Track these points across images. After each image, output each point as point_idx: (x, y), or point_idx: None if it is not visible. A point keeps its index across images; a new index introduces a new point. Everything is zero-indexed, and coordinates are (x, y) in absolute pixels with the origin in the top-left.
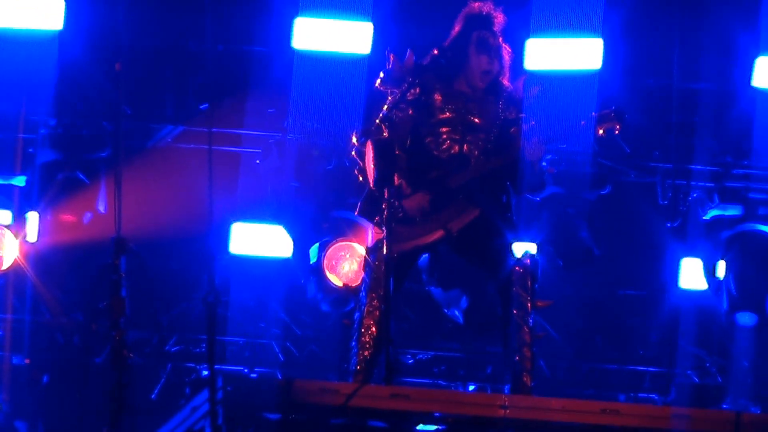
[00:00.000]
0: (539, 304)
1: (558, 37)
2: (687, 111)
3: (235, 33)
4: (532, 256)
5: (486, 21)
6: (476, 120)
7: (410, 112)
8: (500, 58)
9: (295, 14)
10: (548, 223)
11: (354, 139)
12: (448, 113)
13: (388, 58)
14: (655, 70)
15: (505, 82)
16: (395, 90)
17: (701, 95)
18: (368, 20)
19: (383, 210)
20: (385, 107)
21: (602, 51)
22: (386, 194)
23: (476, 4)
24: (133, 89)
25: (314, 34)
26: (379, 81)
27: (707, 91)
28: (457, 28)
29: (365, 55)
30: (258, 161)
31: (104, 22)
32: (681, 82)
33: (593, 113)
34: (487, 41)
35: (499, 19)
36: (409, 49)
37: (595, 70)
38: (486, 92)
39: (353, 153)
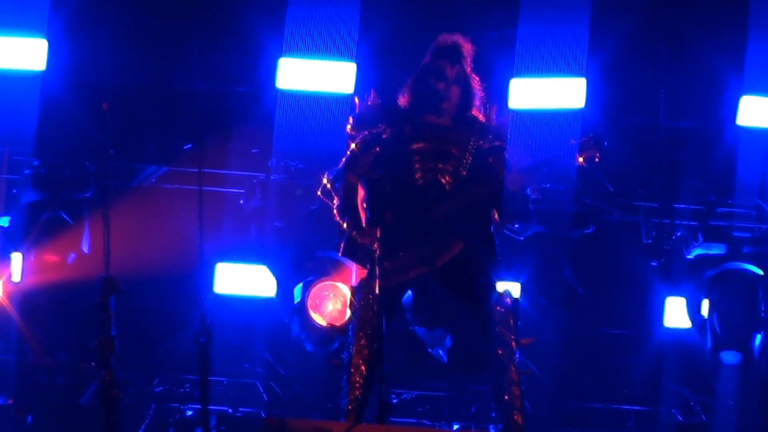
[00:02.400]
0: (523, 342)
1: (542, 76)
2: (671, 149)
3: (219, 73)
4: (511, 295)
5: (451, 52)
6: (449, 149)
7: (377, 149)
8: (463, 86)
9: (280, 54)
10: (531, 261)
11: (325, 180)
12: (420, 143)
13: (354, 103)
14: (639, 108)
15: (476, 113)
16: (366, 132)
17: (685, 134)
18: (351, 60)
19: (374, 250)
20: (354, 146)
21: (585, 90)
22: (378, 233)
23: (443, 36)
24: (117, 129)
25: (298, 75)
26: (349, 126)
27: (691, 130)
28: (426, 60)
29: (349, 94)
30: (242, 201)
31: (86, 62)
32: (665, 121)
33: (572, 140)
34: (443, 70)
35: (467, 49)
36: (372, 90)
37: (579, 108)
38: (456, 122)
39: (319, 193)
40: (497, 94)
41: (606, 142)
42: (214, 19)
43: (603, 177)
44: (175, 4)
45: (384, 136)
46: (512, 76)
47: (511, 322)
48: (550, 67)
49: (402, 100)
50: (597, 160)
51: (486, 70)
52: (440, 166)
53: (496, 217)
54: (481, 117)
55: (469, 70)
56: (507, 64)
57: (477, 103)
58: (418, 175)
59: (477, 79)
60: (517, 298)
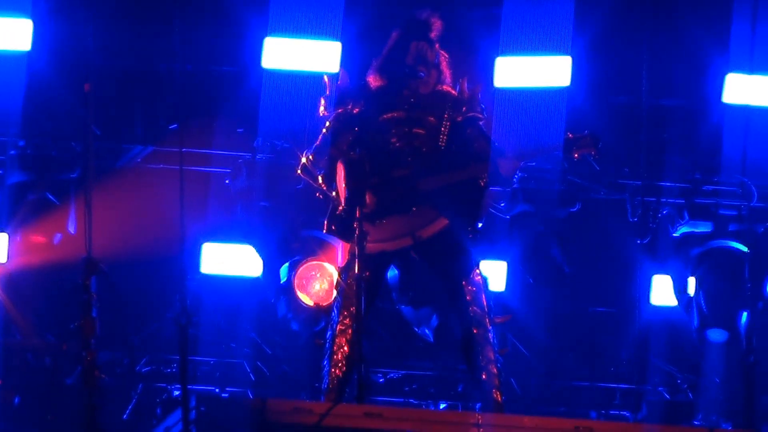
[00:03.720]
0: (497, 320)
1: (527, 55)
2: (657, 128)
3: (204, 53)
4: (481, 273)
5: (423, 29)
6: (424, 116)
7: (355, 129)
8: (438, 66)
9: (265, 34)
10: (518, 240)
11: (303, 159)
12: (394, 112)
13: (324, 84)
14: (624, 87)
15: (446, 87)
16: (340, 110)
17: (671, 112)
18: (337, 40)
19: (354, 229)
20: (328, 123)
21: (571, 68)
22: (357, 213)
23: (413, 13)
24: (102, 110)
25: (284, 54)
26: (322, 108)
27: (677, 108)
28: (394, 36)
29: (334, 74)
30: (227, 181)
31: (72, 42)
32: (650, 99)
33: (569, 135)
34: (425, 54)
35: (437, 25)
36: (341, 69)
37: (564, 87)
38: (430, 97)
39: (299, 171)
40: (482, 72)
41: (601, 142)
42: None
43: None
44: None
45: (355, 112)
46: (497, 55)
47: (484, 301)
48: (536, 45)
49: (372, 80)
50: (593, 156)
51: (471, 49)
52: (414, 131)
53: (482, 185)
54: (452, 91)
55: (437, 46)
56: (492, 43)
57: (446, 78)
58: (393, 140)
59: (446, 56)
60: (486, 276)
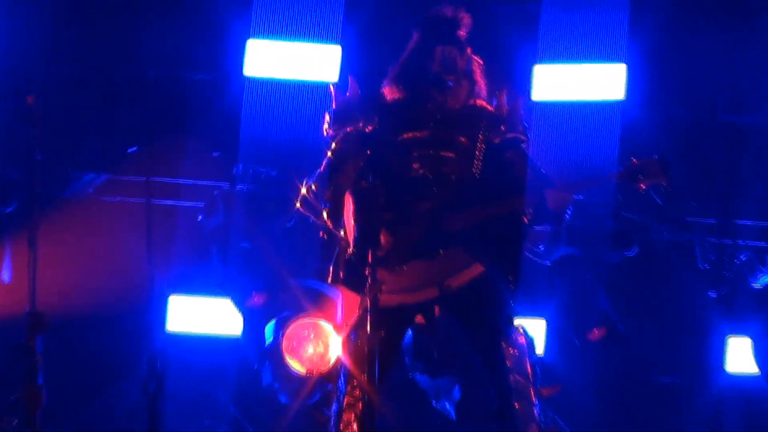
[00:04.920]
0: (545, 392)
1: (571, 62)
2: (732, 151)
3: (173, 56)
4: (526, 333)
5: (450, 28)
6: (453, 135)
7: (368, 152)
8: (470, 75)
9: (247, 36)
10: (561, 292)
11: (303, 190)
12: (415, 131)
13: (330, 95)
14: (690, 100)
15: (481, 102)
16: (348, 129)
17: (748, 131)
18: (336, 43)
19: (366, 277)
20: (335, 145)
21: (626, 78)
22: (370, 257)
23: (435, 9)
24: (47, 128)
25: (270, 59)
26: (326, 126)
27: (755, 126)
28: (415, 38)
29: (332, 83)
30: (200, 217)
31: (10, 44)
32: (723, 116)
33: (633, 161)
34: (453, 60)
35: (467, 23)
36: (350, 78)
37: (617, 100)
38: (461, 113)
39: (297, 204)
40: (517, 82)
41: (673, 169)
42: None
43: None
44: None
45: (367, 130)
46: (535, 62)
47: (528, 368)
48: (582, 50)
49: (388, 91)
50: (663, 187)
51: (501, 54)
52: (442, 154)
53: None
54: (488, 107)
55: (469, 50)
56: (528, 47)
57: (481, 90)
58: (416, 165)
59: (480, 62)
60: (532, 337)
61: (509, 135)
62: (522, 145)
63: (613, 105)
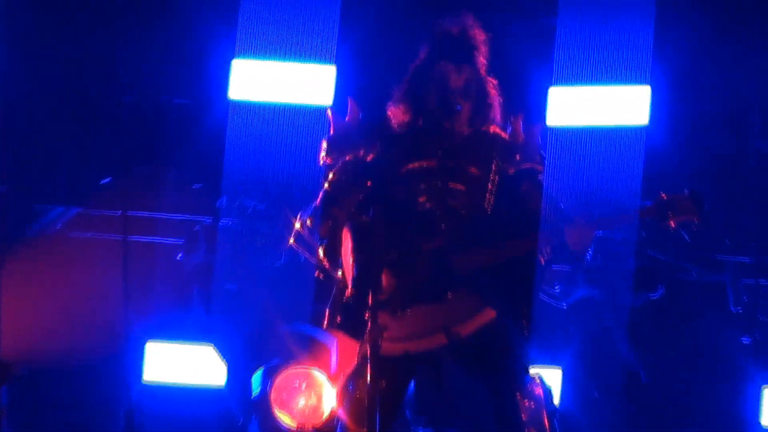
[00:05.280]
0: None
1: (591, 84)
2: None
3: (150, 78)
4: (544, 383)
5: (460, 44)
6: (463, 166)
7: (368, 183)
8: (483, 98)
9: (232, 55)
10: (578, 338)
11: (297, 224)
12: (422, 161)
13: (328, 119)
14: (721, 126)
15: (495, 128)
16: (348, 158)
17: None
18: (330, 62)
19: (366, 322)
20: (332, 176)
21: (650, 101)
22: (370, 300)
23: (445, 21)
24: (11, 157)
25: (257, 81)
26: (323, 154)
27: None
28: (421, 55)
29: (326, 107)
30: (180, 255)
31: None
32: (757, 142)
33: (662, 196)
34: (464, 82)
35: (479, 38)
36: (350, 100)
37: (641, 126)
38: (472, 140)
39: (291, 241)
40: (532, 106)
41: (706, 204)
42: (146, 8)
43: None
44: None
45: (368, 159)
46: (550, 83)
47: (546, 422)
48: (602, 70)
49: (392, 115)
50: (695, 225)
51: (514, 74)
52: (451, 186)
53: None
54: (502, 134)
55: (483, 69)
56: (543, 67)
57: (495, 115)
58: (422, 199)
59: (494, 82)
60: (549, 387)
61: (525, 165)
62: (539, 176)
63: (637, 131)
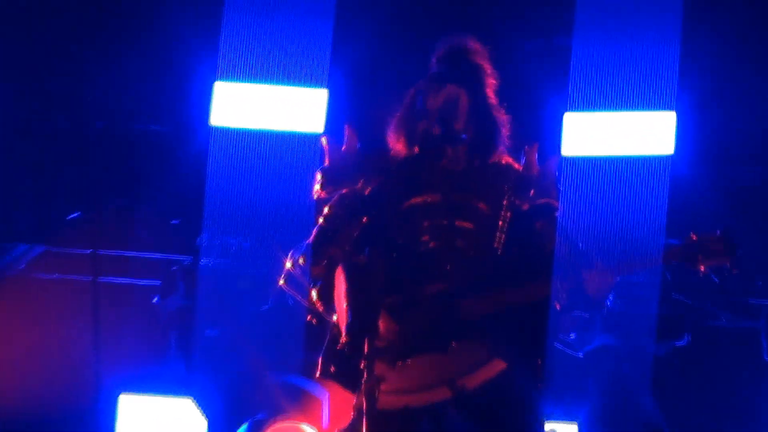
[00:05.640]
0: None
1: (609, 110)
2: None
3: (122, 104)
4: None
5: (467, 66)
6: (471, 201)
7: (364, 219)
8: (481, 119)
9: (214, 78)
10: (596, 390)
11: (288, 264)
12: (425, 195)
13: (322, 149)
14: (754, 157)
15: (506, 159)
16: (345, 191)
17: None
18: (322, 86)
19: (362, 372)
20: (327, 210)
21: (675, 129)
22: (367, 348)
23: (448, 40)
24: None
25: (242, 105)
26: (318, 187)
27: None
28: (421, 79)
29: (317, 134)
30: (156, 299)
31: None
32: None
33: (692, 236)
34: (471, 105)
35: (487, 55)
36: (347, 127)
37: (665, 156)
38: (481, 173)
39: (281, 282)
40: (546, 134)
41: (740, 249)
42: (119, 29)
43: None
44: (61, 7)
45: (366, 193)
46: (566, 109)
47: None
48: (623, 96)
49: (393, 145)
50: (728, 270)
51: (527, 99)
52: (457, 224)
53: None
54: (515, 164)
55: (490, 92)
56: (558, 92)
57: (505, 144)
58: (425, 237)
59: (503, 107)
60: None
61: (540, 200)
62: (555, 213)
63: (661, 160)
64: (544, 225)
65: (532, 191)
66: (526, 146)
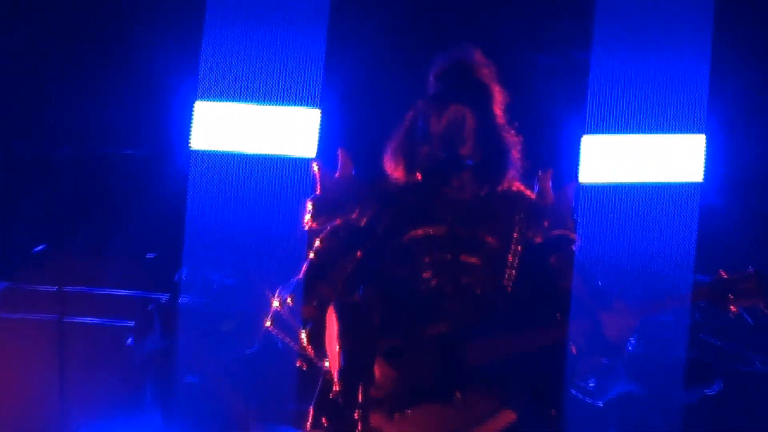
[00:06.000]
0: None
1: (631, 133)
2: None
3: (92, 126)
4: None
5: (471, 84)
6: (477, 233)
7: (358, 253)
8: (501, 149)
9: (194, 96)
10: None
11: (276, 302)
12: (427, 227)
13: (313, 175)
14: None
15: (517, 185)
16: (338, 222)
17: None
18: (314, 106)
19: (356, 423)
20: (319, 244)
21: (704, 153)
22: (361, 396)
23: (450, 55)
24: None
25: (225, 127)
26: (308, 218)
27: None
28: (421, 99)
29: (309, 158)
30: (129, 341)
31: None
32: None
33: (722, 274)
34: (478, 130)
35: (489, 74)
36: (340, 151)
37: (694, 183)
38: (489, 202)
39: (268, 323)
40: (562, 159)
41: None
42: (85, 41)
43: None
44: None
45: (362, 224)
46: (583, 132)
47: None
48: (647, 118)
49: (391, 168)
50: (762, 311)
51: (537, 121)
52: (463, 259)
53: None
54: (527, 192)
55: (498, 111)
56: (574, 112)
57: (516, 170)
58: (427, 274)
59: (514, 129)
60: None
61: (555, 232)
62: (572, 246)
63: (688, 188)
64: (560, 259)
65: (546, 222)
66: (540, 172)
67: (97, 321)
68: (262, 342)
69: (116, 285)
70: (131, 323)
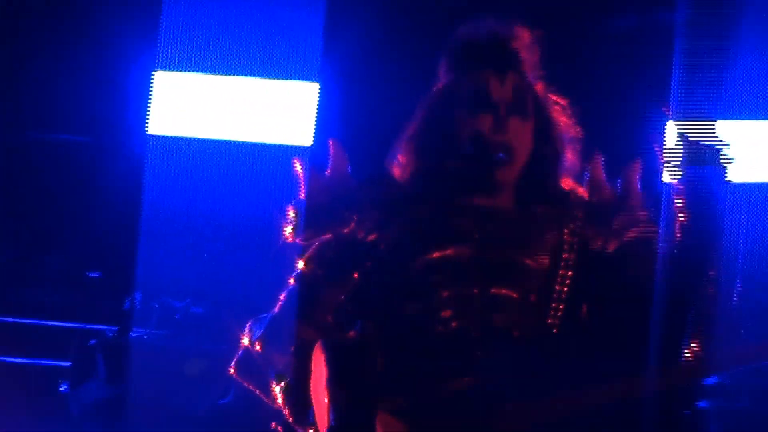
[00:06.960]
0: None
1: (733, 118)
2: None
3: (13, 106)
4: None
5: (502, 56)
6: (511, 256)
7: (355, 276)
8: (547, 137)
9: (153, 65)
10: None
11: (245, 340)
12: (447, 248)
13: (298, 174)
14: None
15: (568, 182)
16: (329, 236)
17: None
18: (313, 80)
19: None
20: (303, 266)
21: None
22: None
23: (474, 25)
24: None
25: (192, 106)
26: (290, 229)
27: None
28: (442, 75)
29: (305, 148)
30: (64, 387)
31: None
32: None
33: None
34: (512, 112)
35: (532, 45)
36: (331, 142)
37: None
38: (531, 211)
39: (231, 370)
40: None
41: None
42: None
43: None
44: None
45: (360, 239)
46: (668, 117)
47: None
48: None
49: (400, 167)
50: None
51: (601, 103)
52: (494, 291)
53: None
54: (579, 189)
55: (540, 88)
56: (655, 92)
57: (567, 160)
58: (446, 313)
59: (559, 107)
60: None
61: (631, 231)
62: (655, 243)
63: None
64: (641, 265)
65: (613, 223)
66: (589, 163)
67: (22, 361)
68: (238, 390)
69: (47, 315)
70: (67, 364)
